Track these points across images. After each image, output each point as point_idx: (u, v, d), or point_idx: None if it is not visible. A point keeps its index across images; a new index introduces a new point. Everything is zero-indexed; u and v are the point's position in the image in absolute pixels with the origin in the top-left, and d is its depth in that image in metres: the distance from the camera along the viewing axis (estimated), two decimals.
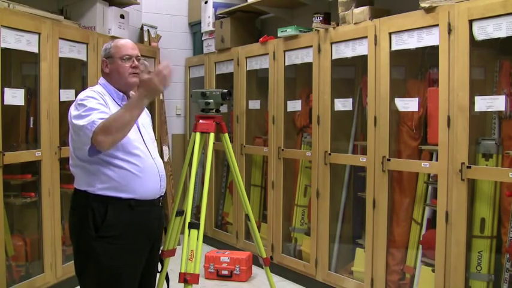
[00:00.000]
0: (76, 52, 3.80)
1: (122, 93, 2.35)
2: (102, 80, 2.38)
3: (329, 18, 3.80)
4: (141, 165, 2.28)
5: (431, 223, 3.15)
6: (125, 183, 2.23)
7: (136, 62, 2.34)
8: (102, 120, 2.10)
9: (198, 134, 2.83)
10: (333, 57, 3.63)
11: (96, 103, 2.19)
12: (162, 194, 2.41)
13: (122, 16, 4.37)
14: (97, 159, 2.21)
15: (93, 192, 2.23)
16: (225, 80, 4.91)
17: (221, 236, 4.97)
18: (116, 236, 2.22)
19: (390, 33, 3.19)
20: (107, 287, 2.25)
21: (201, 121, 2.85)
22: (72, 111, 2.24)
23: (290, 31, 3.95)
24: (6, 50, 3.16)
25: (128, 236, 2.25)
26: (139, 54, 2.38)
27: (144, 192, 2.28)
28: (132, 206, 2.24)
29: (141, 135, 2.36)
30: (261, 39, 4.35)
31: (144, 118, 2.48)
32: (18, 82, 3.60)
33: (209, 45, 5.11)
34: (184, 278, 2.52)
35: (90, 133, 2.10)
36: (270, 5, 4.54)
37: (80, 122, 2.13)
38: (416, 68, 3.39)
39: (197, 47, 5.59)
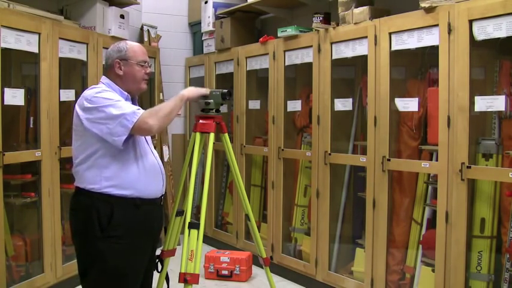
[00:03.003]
0: (76, 52, 3.80)
1: (126, 93, 2.36)
2: (105, 79, 2.37)
3: (329, 18, 3.80)
4: (146, 164, 2.31)
5: (431, 223, 3.15)
6: (130, 181, 2.25)
7: (150, 69, 2.42)
8: (145, 110, 2.21)
9: (198, 134, 2.83)
10: (333, 57, 3.63)
11: (112, 95, 2.25)
12: (163, 193, 2.43)
13: (122, 16, 4.37)
14: (115, 152, 2.22)
15: (98, 190, 2.23)
16: (225, 80, 4.91)
17: (221, 236, 4.97)
18: (121, 236, 2.23)
19: (390, 33, 3.19)
20: (112, 286, 2.26)
21: (201, 121, 2.85)
22: (89, 104, 2.21)
23: (290, 31, 3.95)
24: (6, 50, 3.16)
25: (133, 235, 2.26)
26: (149, 61, 2.45)
27: (148, 190, 2.30)
28: (137, 204, 2.26)
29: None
30: (261, 39, 4.35)
31: None
32: (18, 82, 3.60)
33: (209, 45, 5.11)
34: (184, 278, 2.52)
35: (131, 122, 2.16)
36: (270, 5, 4.54)
37: (115, 111, 2.17)
38: (416, 68, 3.39)
39: (197, 47, 5.59)
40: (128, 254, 2.24)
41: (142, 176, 2.28)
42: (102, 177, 2.23)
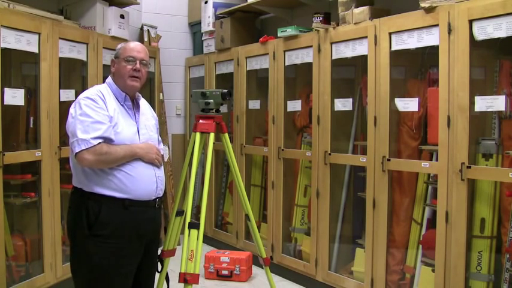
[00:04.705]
0: (76, 52, 3.80)
1: (124, 94, 2.38)
2: (109, 79, 2.43)
3: (329, 18, 3.80)
4: (137, 166, 2.31)
5: (431, 223, 3.15)
6: (119, 183, 2.26)
7: (138, 66, 2.37)
8: (96, 144, 2.18)
9: (198, 134, 2.83)
10: (333, 57, 3.63)
11: (96, 108, 2.24)
12: (159, 196, 2.42)
13: (122, 16, 4.37)
14: None
15: (88, 189, 2.26)
16: (225, 80, 4.91)
17: (221, 236, 4.97)
18: (108, 235, 2.24)
19: (390, 33, 3.19)
20: (98, 286, 2.27)
21: (201, 121, 2.85)
22: (73, 111, 2.28)
23: (290, 31, 3.95)
24: (6, 50, 3.16)
25: (120, 236, 2.26)
26: (145, 59, 2.41)
27: (139, 192, 2.30)
28: (125, 205, 2.26)
29: (139, 136, 2.38)
30: (261, 39, 4.35)
31: (149, 119, 2.50)
32: (18, 82, 3.59)
33: (209, 45, 5.11)
34: (184, 278, 2.52)
35: (77, 149, 2.19)
36: (270, 5, 4.54)
37: (78, 130, 2.20)
38: (416, 68, 3.39)
39: (197, 47, 5.59)
40: (114, 253, 2.25)
41: (132, 179, 2.28)
42: (92, 179, 2.26)
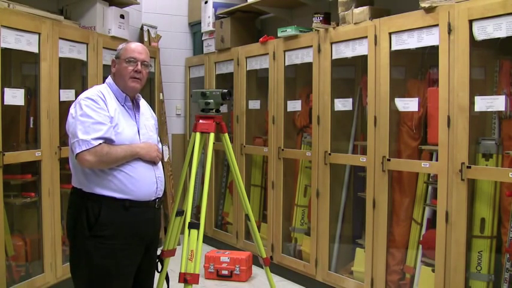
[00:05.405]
0: (76, 52, 3.80)
1: (124, 94, 2.38)
2: (109, 79, 2.43)
3: (329, 18, 3.80)
4: (137, 167, 2.31)
5: (431, 223, 3.16)
6: (120, 184, 2.26)
7: (139, 67, 2.37)
8: (97, 145, 2.18)
9: (198, 134, 2.83)
10: (333, 57, 3.63)
11: (97, 109, 2.24)
12: (159, 196, 2.42)
13: (122, 16, 4.37)
14: None
15: (88, 190, 2.25)
16: (225, 80, 4.91)
17: (221, 236, 4.97)
18: (108, 236, 2.24)
19: (390, 33, 3.19)
20: (98, 286, 2.27)
21: (201, 121, 2.85)
22: (73, 111, 2.27)
23: (290, 31, 3.95)
24: (6, 50, 3.16)
25: (121, 237, 2.26)
26: (146, 60, 2.41)
27: (139, 193, 2.30)
28: (126, 206, 2.26)
29: (139, 136, 2.38)
30: (261, 39, 4.35)
31: (148, 119, 2.50)
32: (18, 82, 3.59)
33: (209, 45, 5.11)
34: (184, 278, 2.52)
35: (77, 149, 2.19)
36: (270, 5, 4.54)
37: (78, 131, 2.20)
38: (416, 68, 3.39)
39: (197, 47, 5.59)
40: (115, 254, 2.25)
41: (133, 180, 2.28)
42: (92, 179, 2.25)
